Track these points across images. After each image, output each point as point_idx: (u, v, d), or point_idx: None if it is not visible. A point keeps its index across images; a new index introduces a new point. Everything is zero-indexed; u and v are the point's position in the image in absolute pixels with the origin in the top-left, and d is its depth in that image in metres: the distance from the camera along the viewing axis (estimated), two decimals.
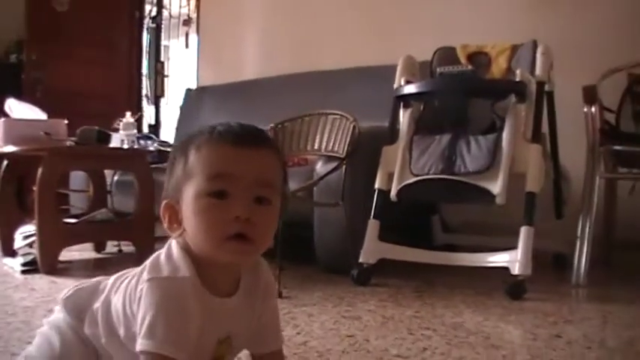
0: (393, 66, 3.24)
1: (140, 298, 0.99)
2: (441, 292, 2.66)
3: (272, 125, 3.17)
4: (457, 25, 4.01)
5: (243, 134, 1.01)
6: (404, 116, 2.99)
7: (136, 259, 3.26)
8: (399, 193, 2.81)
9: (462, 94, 2.89)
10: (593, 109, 2.93)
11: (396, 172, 2.85)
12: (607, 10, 3.68)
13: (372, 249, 2.81)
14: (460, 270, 2.81)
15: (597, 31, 3.63)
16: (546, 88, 2.89)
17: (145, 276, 1.00)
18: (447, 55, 3.25)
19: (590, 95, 2.95)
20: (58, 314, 1.18)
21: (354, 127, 2.89)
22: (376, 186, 2.90)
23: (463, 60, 3.19)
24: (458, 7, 4.12)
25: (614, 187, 3.34)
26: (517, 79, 2.76)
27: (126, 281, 1.08)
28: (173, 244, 1.04)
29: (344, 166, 2.89)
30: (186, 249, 1.01)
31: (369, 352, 1.72)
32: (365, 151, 2.98)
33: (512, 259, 2.54)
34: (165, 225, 1.04)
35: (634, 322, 2.17)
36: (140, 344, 0.96)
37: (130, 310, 1.04)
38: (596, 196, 2.95)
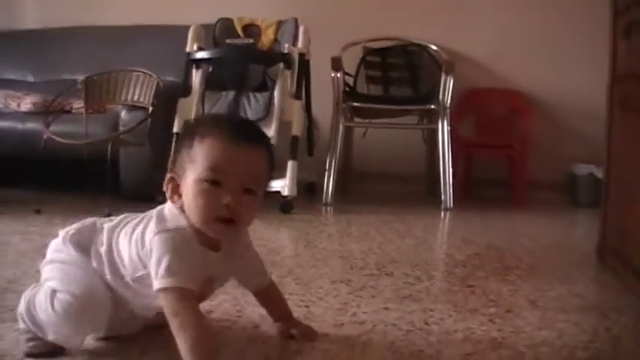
0: (177, 26, 3.96)
1: (151, 247, 1.17)
2: None
3: (82, 79, 3.72)
4: None
5: (242, 132, 1.19)
6: (196, 75, 3.72)
7: None
8: None
9: (245, 61, 3.71)
10: (338, 74, 3.94)
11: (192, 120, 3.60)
12: None
13: None
14: None
15: (342, 10, 4.59)
16: (305, 57, 3.80)
17: (154, 228, 1.18)
18: (226, 25, 4.00)
19: (336, 64, 3.96)
20: (62, 250, 1.32)
21: (157, 83, 3.58)
22: (174, 130, 3.61)
23: (239, 30, 3.97)
24: None
25: (351, 133, 4.40)
26: (285, 52, 3.64)
27: (127, 230, 1.26)
28: (170, 206, 1.23)
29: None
30: (182, 211, 1.20)
31: None
32: (162, 102, 3.67)
33: (283, 185, 3.44)
34: (168, 195, 1.22)
35: (367, 223, 3.21)
36: (161, 283, 1.13)
37: (137, 256, 1.21)
38: (340, 139, 3.97)
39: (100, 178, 3.41)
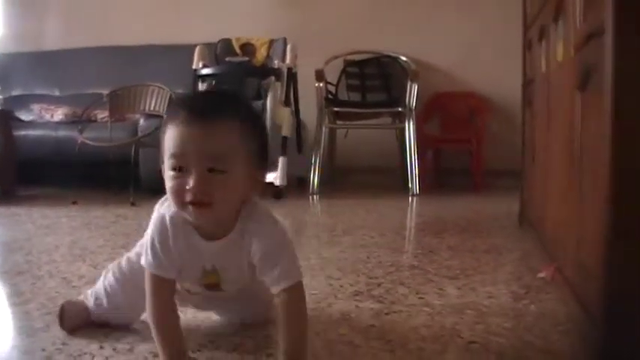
0: (184, 45, 4.70)
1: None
2: None
3: (107, 92, 4.46)
4: (231, 16, 5.44)
5: (197, 111, 1.12)
6: (202, 88, 4.45)
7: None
8: None
9: (243, 76, 4.45)
10: (321, 84, 4.68)
11: None
12: (331, 12, 5.39)
13: None
14: None
15: (325, 29, 5.30)
16: (292, 71, 4.53)
17: (156, 208, 1.30)
18: (225, 45, 4.76)
19: (319, 75, 4.69)
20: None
21: (170, 95, 4.31)
22: None
23: (237, 49, 4.72)
24: (232, 3, 5.53)
25: (334, 133, 5.14)
26: (276, 67, 4.37)
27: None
28: None
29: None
30: None
31: None
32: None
33: (275, 177, 4.16)
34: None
35: (344, 205, 3.97)
36: (142, 258, 1.24)
37: None
38: (323, 139, 4.71)
39: (124, 175, 4.11)
